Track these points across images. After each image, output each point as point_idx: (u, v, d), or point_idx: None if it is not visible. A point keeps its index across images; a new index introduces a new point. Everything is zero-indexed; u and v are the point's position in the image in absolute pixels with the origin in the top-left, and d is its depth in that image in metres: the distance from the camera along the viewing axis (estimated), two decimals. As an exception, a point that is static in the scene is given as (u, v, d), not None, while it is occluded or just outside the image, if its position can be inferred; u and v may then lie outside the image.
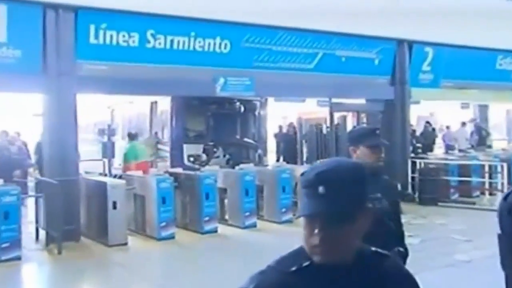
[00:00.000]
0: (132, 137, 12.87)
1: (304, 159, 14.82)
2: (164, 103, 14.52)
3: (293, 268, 1.35)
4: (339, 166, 1.35)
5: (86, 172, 11.37)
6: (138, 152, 12.26)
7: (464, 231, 9.82)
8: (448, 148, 17.80)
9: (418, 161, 14.23)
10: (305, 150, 15.93)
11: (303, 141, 15.07)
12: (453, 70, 15.37)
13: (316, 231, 1.32)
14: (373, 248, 1.41)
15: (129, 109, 16.52)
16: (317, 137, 14.89)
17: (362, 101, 15.50)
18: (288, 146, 16.76)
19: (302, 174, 1.40)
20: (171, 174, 10.75)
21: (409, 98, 14.73)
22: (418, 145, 16.20)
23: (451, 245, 8.83)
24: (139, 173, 10.88)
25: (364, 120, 15.93)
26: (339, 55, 13.51)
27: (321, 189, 1.30)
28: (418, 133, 17.66)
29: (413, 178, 14.12)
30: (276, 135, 19.60)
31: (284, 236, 9.90)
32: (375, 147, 3.10)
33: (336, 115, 14.50)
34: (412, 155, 15.04)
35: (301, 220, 1.37)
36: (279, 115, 21.09)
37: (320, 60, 13.21)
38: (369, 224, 1.37)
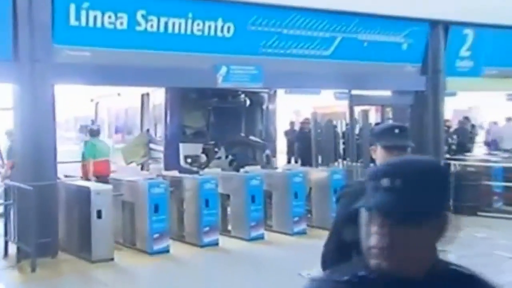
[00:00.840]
0: (93, 133, 12.88)
1: (320, 160, 14.68)
2: (157, 96, 14.58)
3: (346, 278, 1.33)
4: (420, 161, 1.36)
5: (66, 176, 11.37)
6: (97, 150, 12.32)
7: (510, 247, 9.77)
8: (493, 147, 17.60)
9: (454, 163, 14.12)
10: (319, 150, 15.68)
11: (319, 140, 14.89)
12: (497, 56, 15.25)
13: (379, 229, 1.27)
14: (455, 264, 1.36)
15: (116, 103, 16.56)
16: (335, 135, 14.88)
17: (387, 93, 15.53)
18: (301, 146, 16.90)
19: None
20: (165, 177, 10.85)
21: (444, 89, 14.74)
22: (453, 143, 16.04)
23: (495, 263, 8.80)
24: (129, 176, 10.99)
25: (390, 115, 15.92)
26: (361, 39, 13.57)
27: (398, 182, 1.28)
28: (454, 130, 17.62)
29: (447, 183, 14.03)
30: (287, 133, 19.56)
31: (297, 250, 9.91)
32: (392, 148, 3.11)
33: (357, 110, 14.42)
34: (447, 156, 15.01)
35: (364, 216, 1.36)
36: (290, 109, 21.21)
37: (339, 46, 13.30)
38: (444, 234, 1.34)
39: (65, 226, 10.14)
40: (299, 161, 16.62)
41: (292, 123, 19.60)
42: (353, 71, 13.51)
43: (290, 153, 18.73)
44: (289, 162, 17.59)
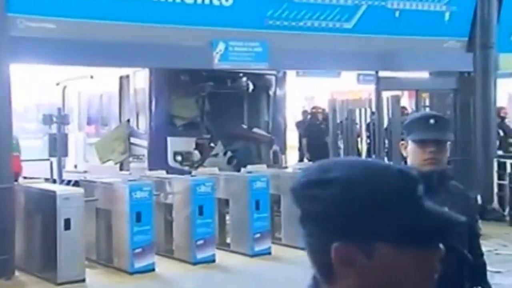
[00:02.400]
0: None
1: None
2: (140, 79, 14.78)
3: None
4: None
5: (26, 178, 11.50)
6: None
7: None
8: None
9: (509, 161, 14.04)
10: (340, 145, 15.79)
11: (338, 133, 14.99)
12: None
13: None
14: None
15: (89, 87, 16.62)
16: (358, 126, 15.00)
17: (424, 74, 15.54)
18: (312, 141, 16.93)
19: None
20: (149, 179, 10.88)
21: (496, 69, 14.61)
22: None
23: None
24: (104, 177, 11.05)
25: (427, 102, 15.86)
26: (391, 7, 13.62)
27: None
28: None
29: (500, 186, 13.97)
30: (298, 125, 19.62)
31: (311, 268, 9.94)
32: (422, 143, 3.16)
33: (386, 95, 14.37)
34: (500, 153, 14.92)
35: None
36: (303, 95, 21.58)
37: (363, 16, 13.32)
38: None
39: (24, 239, 10.09)
40: (306, 157, 16.74)
41: (305, 113, 19.63)
42: (381, 48, 13.54)
43: (302, 148, 18.67)
44: (301, 160, 17.67)
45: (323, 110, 17.68)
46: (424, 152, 3.16)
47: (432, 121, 3.22)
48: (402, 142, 3.31)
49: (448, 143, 3.30)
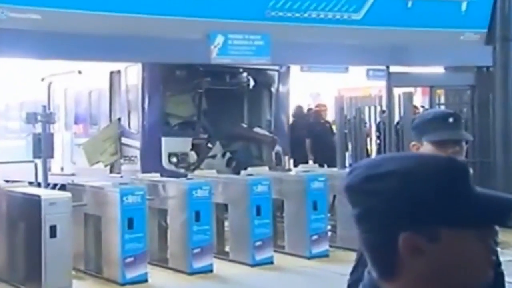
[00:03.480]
0: None
1: (348, 160, 14.84)
2: (132, 74, 14.80)
3: None
4: None
5: (7, 181, 11.35)
6: None
7: None
8: None
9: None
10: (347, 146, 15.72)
11: (346, 133, 14.98)
12: None
13: None
14: None
15: (76, 83, 16.63)
16: (368, 126, 14.96)
17: (438, 70, 15.55)
18: (320, 140, 16.78)
19: None
20: (142, 182, 10.93)
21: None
22: None
23: None
24: (94, 180, 11.05)
25: (442, 99, 15.86)
26: (404, -3, 13.59)
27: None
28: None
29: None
30: (294, 121, 18.93)
31: (316, 278, 10.01)
32: (442, 144, 3.13)
33: (397, 92, 14.40)
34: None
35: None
36: (308, 92, 21.42)
37: (373, 6, 13.34)
38: None
39: (6, 248, 10.02)
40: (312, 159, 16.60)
41: (298, 108, 18.10)
42: (392, 41, 13.57)
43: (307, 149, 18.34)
44: (306, 161, 17.35)
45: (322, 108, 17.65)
46: (445, 154, 3.09)
47: (451, 119, 3.23)
48: (414, 143, 3.26)
49: (465, 143, 3.30)
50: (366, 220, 1.47)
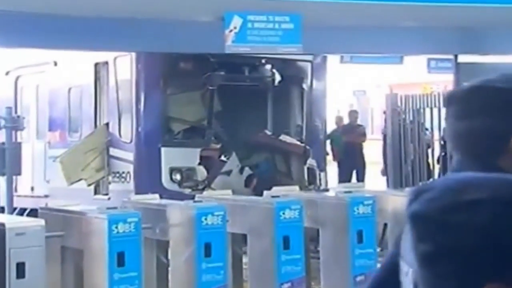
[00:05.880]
0: None
1: (403, 178, 14.60)
2: (123, 67, 14.64)
3: None
4: None
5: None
6: None
7: None
8: None
9: None
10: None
11: (400, 143, 14.81)
12: None
13: None
14: None
15: (52, 78, 16.70)
16: (429, 133, 14.88)
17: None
18: (350, 156, 17.26)
19: None
20: (136, 207, 10.62)
21: None
22: None
23: None
24: (74, 204, 10.75)
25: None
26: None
27: None
28: None
29: None
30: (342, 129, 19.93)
31: None
32: None
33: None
34: None
35: None
36: (350, 89, 21.81)
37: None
38: None
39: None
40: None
41: (353, 113, 19.60)
42: (462, 23, 13.63)
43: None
44: (348, 179, 17.76)
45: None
46: None
47: None
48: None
49: None
50: (439, 262, 1.44)
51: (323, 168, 15.72)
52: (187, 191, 13.75)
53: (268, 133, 15.51)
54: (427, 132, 15.00)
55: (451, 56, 14.26)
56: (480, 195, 1.42)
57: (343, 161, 19.16)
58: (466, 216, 1.41)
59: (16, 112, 14.31)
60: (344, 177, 18.09)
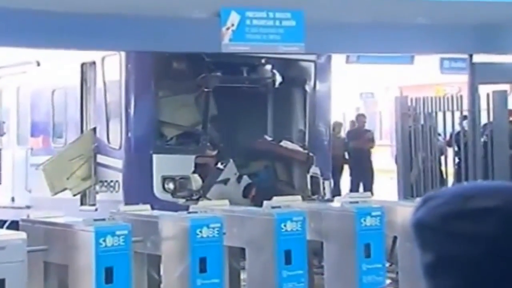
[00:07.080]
0: None
1: (414, 185, 14.70)
2: (112, 67, 14.68)
3: None
4: None
5: None
6: None
7: None
8: None
9: None
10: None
11: (412, 148, 14.86)
12: None
13: None
14: None
15: (34, 80, 16.73)
16: (442, 138, 14.94)
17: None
18: (357, 164, 17.44)
19: None
20: (126, 218, 10.61)
21: None
22: None
23: None
24: (57, 216, 10.79)
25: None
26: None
27: None
28: None
29: None
30: (349, 134, 20.11)
31: None
32: None
33: (485, 91, 14.45)
34: None
35: None
36: (357, 91, 21.73)
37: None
38: None
39: None
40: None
41: (360, 117, 19.91)
42: (477, 19, 13.57)
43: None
44: (356, 189, 17.86)
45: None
46: None
47: None
48: None
49: None
50: (441, 272, 1.43)
51: (327, 177, 15.71)
52: (181, 201, 13.80)
53: (268, 138, 15.60)
54: (440, 138, 15.03)
55: (465, 56, 14.33)
56: (488, 203, 1.42)
57: (350, 168, 19.27)
58: (471, 224, 1.41)
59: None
60: (351, 186, 18.28)
